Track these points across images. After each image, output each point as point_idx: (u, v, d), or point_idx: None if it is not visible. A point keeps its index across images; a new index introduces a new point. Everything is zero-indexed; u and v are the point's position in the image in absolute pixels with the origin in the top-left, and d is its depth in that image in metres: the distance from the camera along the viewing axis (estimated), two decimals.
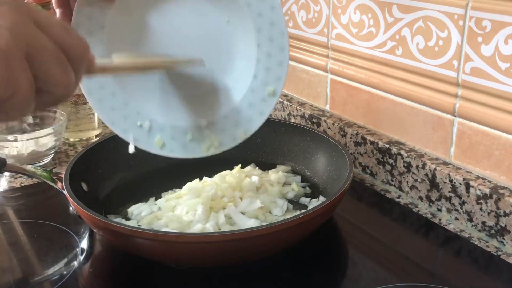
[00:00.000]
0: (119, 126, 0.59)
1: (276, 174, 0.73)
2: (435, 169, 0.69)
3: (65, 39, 0.38)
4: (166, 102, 0.61)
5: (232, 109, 0.61)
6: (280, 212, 0.66)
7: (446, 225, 0.68)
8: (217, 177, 0.71)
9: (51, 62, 0.37)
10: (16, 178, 0.80)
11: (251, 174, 0.72)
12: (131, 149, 0.59)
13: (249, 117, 0.61)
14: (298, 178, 0.75)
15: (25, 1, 0.38)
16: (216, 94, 0.62)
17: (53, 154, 0.86)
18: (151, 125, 0.60)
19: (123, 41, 0.58)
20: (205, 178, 0.71)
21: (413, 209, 0.72)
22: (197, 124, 0.61)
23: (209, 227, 0.60)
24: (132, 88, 0.60)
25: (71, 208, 0.67)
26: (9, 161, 0.68)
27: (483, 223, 0.65)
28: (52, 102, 0.40)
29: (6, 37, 0.34)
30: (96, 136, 0.95)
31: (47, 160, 0.85)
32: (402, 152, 0.74)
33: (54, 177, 0.66)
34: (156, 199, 0.70)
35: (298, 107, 0.91)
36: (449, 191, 0.68)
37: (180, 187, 0.70)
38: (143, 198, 0.70)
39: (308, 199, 0.70)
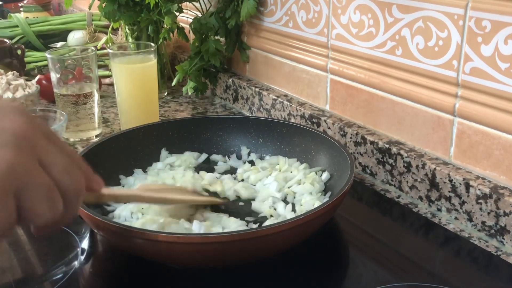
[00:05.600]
0: None
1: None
2: (435, 169, 0.69)
3: (62, 180, 0.40)
4: None
5: None
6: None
7: (446, 225, 0.68)
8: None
9: (38, 200, 0.38)
10: None
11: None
12: None
13: None
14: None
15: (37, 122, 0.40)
16: None
17: None
18: None
19: None
20: None
21: (413, 209, 0.72)
22: None
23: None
24: None
25: None
26: None
27: (483, 223, 0.65)
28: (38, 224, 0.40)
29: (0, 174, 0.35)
30: (96, 136, 0.95)
31: None
32: (402, 152, 0.74)
33: None
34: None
35: (298, 107, 0.91)
36: (449, 191, 0.68)
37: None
38: None
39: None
